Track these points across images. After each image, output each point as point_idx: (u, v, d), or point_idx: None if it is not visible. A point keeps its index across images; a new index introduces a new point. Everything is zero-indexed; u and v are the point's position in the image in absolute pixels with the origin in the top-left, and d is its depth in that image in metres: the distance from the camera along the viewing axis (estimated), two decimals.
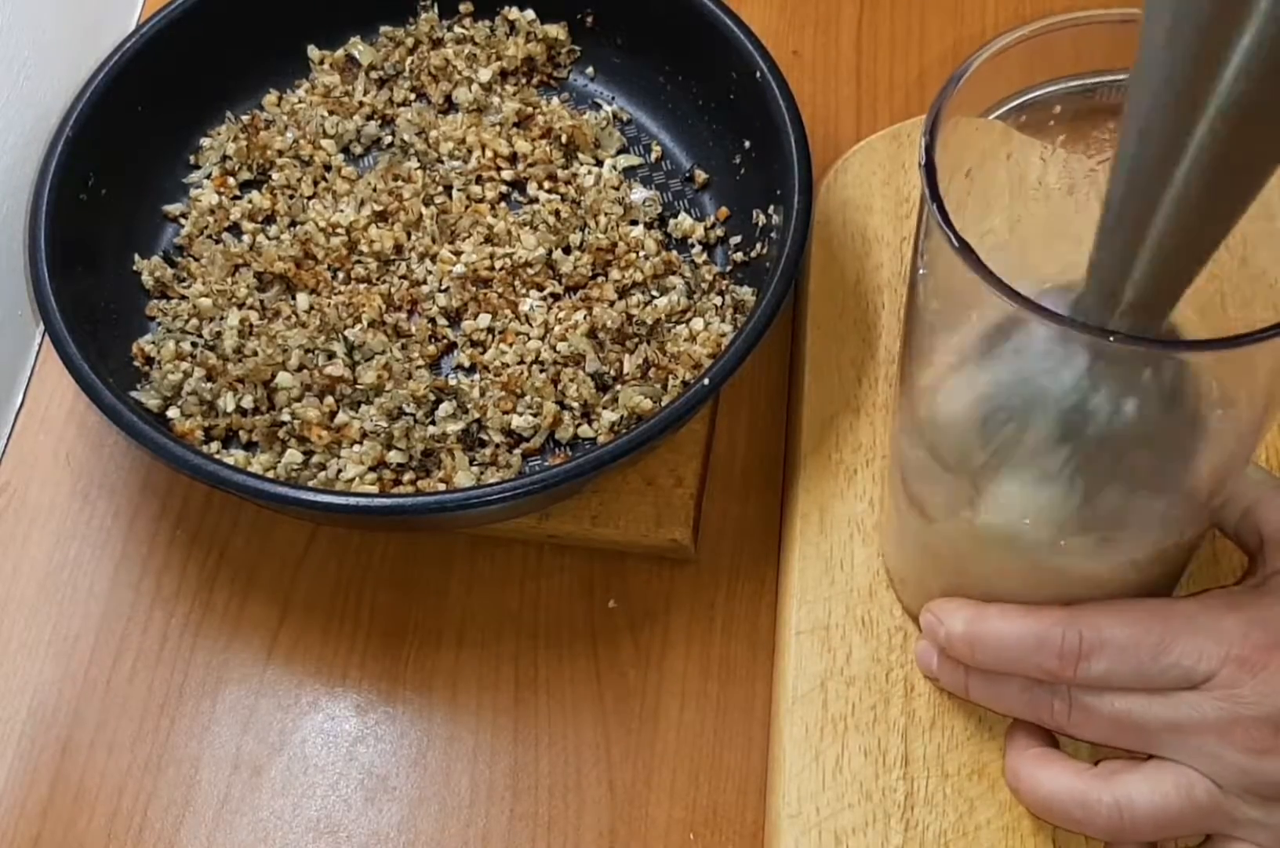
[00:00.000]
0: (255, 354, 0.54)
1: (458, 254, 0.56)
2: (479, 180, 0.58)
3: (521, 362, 0.54)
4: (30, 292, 0.53)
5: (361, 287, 0.56)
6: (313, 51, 0.62)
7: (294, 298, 0.56)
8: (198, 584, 0.55)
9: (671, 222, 0.57)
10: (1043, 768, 0.42)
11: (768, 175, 0.54)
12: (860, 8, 0.66)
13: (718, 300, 0.55)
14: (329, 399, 0.53)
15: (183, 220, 0.59)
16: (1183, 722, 0.39)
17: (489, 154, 0.59)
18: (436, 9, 0.62)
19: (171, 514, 0.56)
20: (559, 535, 0.53)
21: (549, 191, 0.58)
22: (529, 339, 0.54)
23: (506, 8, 0.61)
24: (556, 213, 0.56)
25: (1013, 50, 0.34)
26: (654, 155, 0.60)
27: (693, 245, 0.57)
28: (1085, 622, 0.40)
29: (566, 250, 0.56)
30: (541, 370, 0.53)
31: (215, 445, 0.53)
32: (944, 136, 0.33)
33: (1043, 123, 0.36)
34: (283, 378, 0.53)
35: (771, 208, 0.54)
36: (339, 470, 0.52)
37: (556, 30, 0.61)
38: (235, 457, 0.52)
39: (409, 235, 0.57)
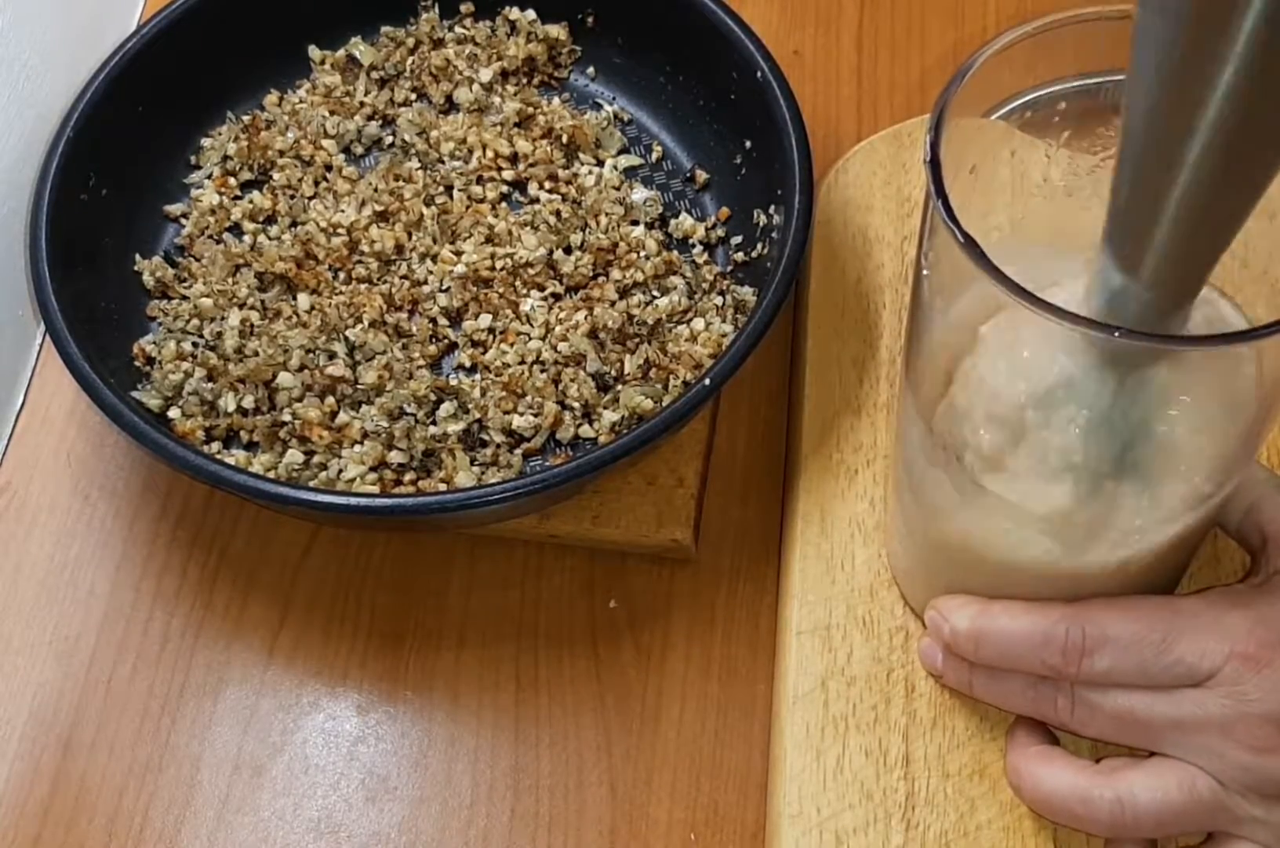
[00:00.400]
0: (256, 354, 0.54)
1: (459, 254, 0.56)
2: (480, 180, 0.58)
3: (522, 362, 0.54)
4: (31, 292, 0.53)
5: (362, 287, 0.56)
6: (314, 52, 0.62)
7: (295, 298, 0.56)
8: (198, 584, 0.55)
9: (672, 222, 0.57)
10: (1044, 765, 0.42)
11: (768, 175, 0.54)
12: (861, 8, 0.66)
13: (719, 300, 0.55)
14: (330, 399, 0.53)
15: (184, 220, 0.59)
16: (1186, 719, 0.39)
17: (490, 154, 0.59)
18: (437, 9, 0.62)
19: (172, 514, 0.56)
20: (560, 536, 0.53)
21: (550, 192, 0.58)
22: (530, 339, 0.54)
23: (507, 8, 0.61)
24: (557, 213, 0.56)
25: (1017, 47, 0.34)
26: (655, 155, 0.60)
27: (693, 245, 0.57)
28: (1089, 619, 0.40)
29: (567, 250, 0.56)
30: (542, 370, 0.53)
31: (216, 446, 0.53)
32: (948, 134, 0.33)
33: (1046, 120, 0.36)
34: (284, 378, 0.53)
35: (772, 208, 0.54)
36: (340, 471, 0.52)
37: (557, 30, 0.61)
38: (236, 457, 0.52)
39: (410, 235, 0.57)
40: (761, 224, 0.55)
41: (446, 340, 0.55)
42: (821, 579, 0.50)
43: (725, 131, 0.58)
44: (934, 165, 0.33)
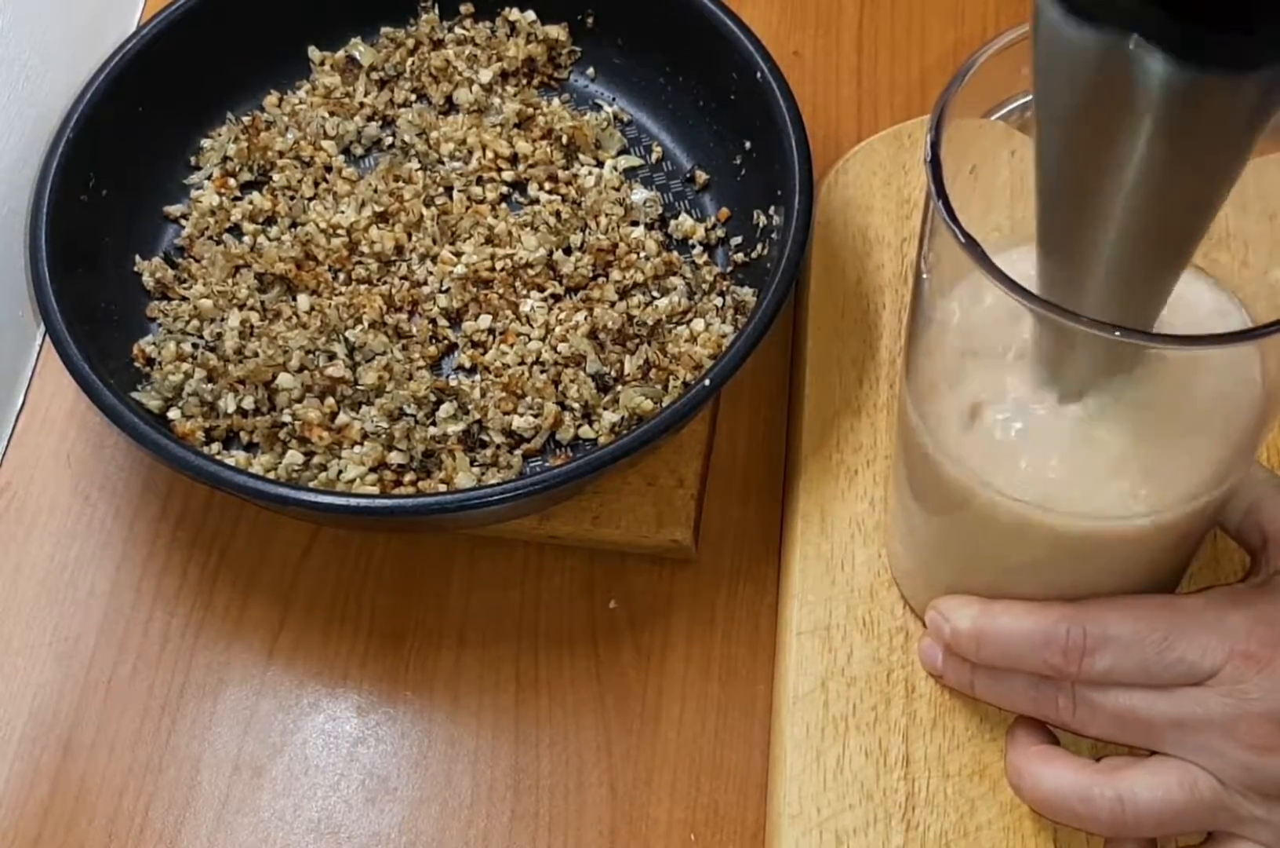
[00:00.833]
0: (256, 355, 0.54)
1: (458, 255, 0.56)
2: (480, 181, 0.58)
3: (522, 362, 0.54)
4: (31, 292, 0.53)
5: (362, 287, 0.56)
6: (313, 52, 0.62)
7: (295, 299, 0.56)
8: (198, 585, 0.55)
9: (672, 222, 0.57)
10: (1044, 764, 0.42)
11: (768, 176, 0.54)
12: (861, 8, 0.66)
13: (718, 301, 0.55)
14: (330, 400, 0.53)
15: (183, 221, 0.59)
16: (1187, 718, 0.39)
17: (490, 155, 0.59)
18: (437, 10, 0.62)
19: (172, 515, 0.56)
20: (560, 536, 0.53)
21: (550, 192, 0.58)
22: (530, 340, 0.54)
23: (507, 9, 0.61)
24: (557, 214, 0.56)
25: (1017, 47, 0.34)
26: (654, 156, 0.60)
27: (693, 246, 0.57)
28: (1090, 618, 0.40)
29: (567, 251, 0.56)
30: (542, 371, 0.53)
31: (216, 446, 0.53)
32: (948, 134, 0.33)
33: None
34: (283, 379, 0.53)
35: (772, 208, 0.54)
36: (340, 471, 0.52)
37: (557, 31, 0.61)
38: (236, 458, 0.52)
39: (410, 236, 0.57)
40: (761, 225, 0.55)
41: (446, 341, 0.55)
42: (821, 580, 0.50)
43: (725, 132, 0.58)
44: (934, 165, 0.33)
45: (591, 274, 0.55)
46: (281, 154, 0.59)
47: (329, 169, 0.60)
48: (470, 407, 0.53)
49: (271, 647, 0.53)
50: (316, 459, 0.52)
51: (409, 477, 0.52)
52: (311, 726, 0.52)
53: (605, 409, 0.53)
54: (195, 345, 0.55)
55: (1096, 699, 0.40)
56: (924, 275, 0.36)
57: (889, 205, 0.57)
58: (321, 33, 0.62)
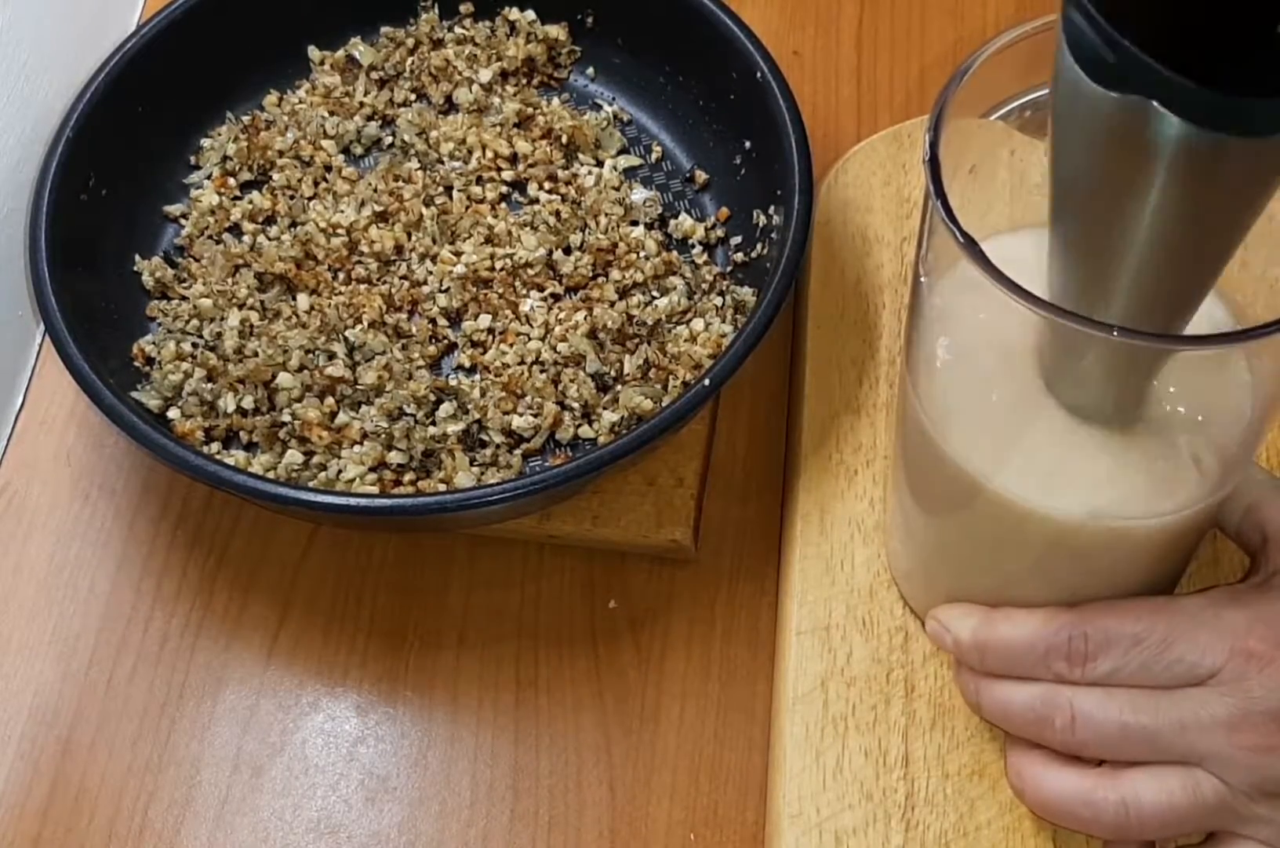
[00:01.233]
0: (256, 355, 0.54)
1: (458, 254, 0.56)
2: (479, 181, 0.58)
3: (522, 362, 0.54)
4: (30, 292, 0.53)
5: (362, 287, 0.56)
6: (313, 52, 0.62)
7: (294, 298, 0.56)
8: (198, 585, 0.55)
9: (672, 222, 0.57)
10: (1046, 767, 0.42)
11: (768, 176, 0.54)
12: (860, 8, 0.66)
13: (718, 301, 0.55)
14: (329, 400, 0.53)
15: (183, 221, 0.59)
16: (1190, 721, 0.38)
17: (489, 154, 0.59)
18: (437, 9, 0.62)
19: (172, 515, 0.56)
20: (559, 536, 0.53)
21: (549, 192, 0.58)
22: (529, 340, 0.54)
23: (507, 8, 0.61)
24: (557, 213, 0.56)
25: (1017, 46, 0.34)
26: (654, 156, 0.60)
27: (693, 246, 0.57)
28: (1090, 623, 0.40)
29: (567, 251, 0.56)
30: (542, 371, 0.53)
31: (216, 446, 0.53)
32: (947, 134, 0.33)
33: (1045, 120, 0.36)
34: (283, 378, 0.53)
35: (772, 208, 0.54)
36: (339, 471, 0.52)
37: (557, 31, 0.61)
38: (236, 457, 0.52)
39: (409, 236, 0.57)
40: (761, 224, 0.55)
41: (446, 341, 0.55)
42: (821, 579, 0.50)
43: (725, 132, 0.58)
44: (933, 164, 0.33)
45: (591, 274, 0.55)
46: (281, 154, 0.59)
47: (329, 169, 0.60)
48: (470, 406, 0.53)
49: (271, 646, 0.53)
50: (316, 459, 0.52)
51: (409, 476, 0.52)
52: (311, 725, 0.52)
53: (605, 409, 0.53)
54: (195, 345, 0.55)
55: (1097, 715, 0.40)
56: (922, 278, 0.36)
57: (889, 205, 0.57)
58: (321, 32, 0.62)
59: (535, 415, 0.52)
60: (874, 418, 0.53)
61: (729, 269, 0.56)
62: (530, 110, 0.60)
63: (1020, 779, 0.42)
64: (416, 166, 0.59)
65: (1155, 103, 0.25)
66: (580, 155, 0.59)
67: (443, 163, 0.59)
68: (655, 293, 0.55)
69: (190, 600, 0.54)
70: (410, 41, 0.62)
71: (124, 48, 0.56)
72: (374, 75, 0.62)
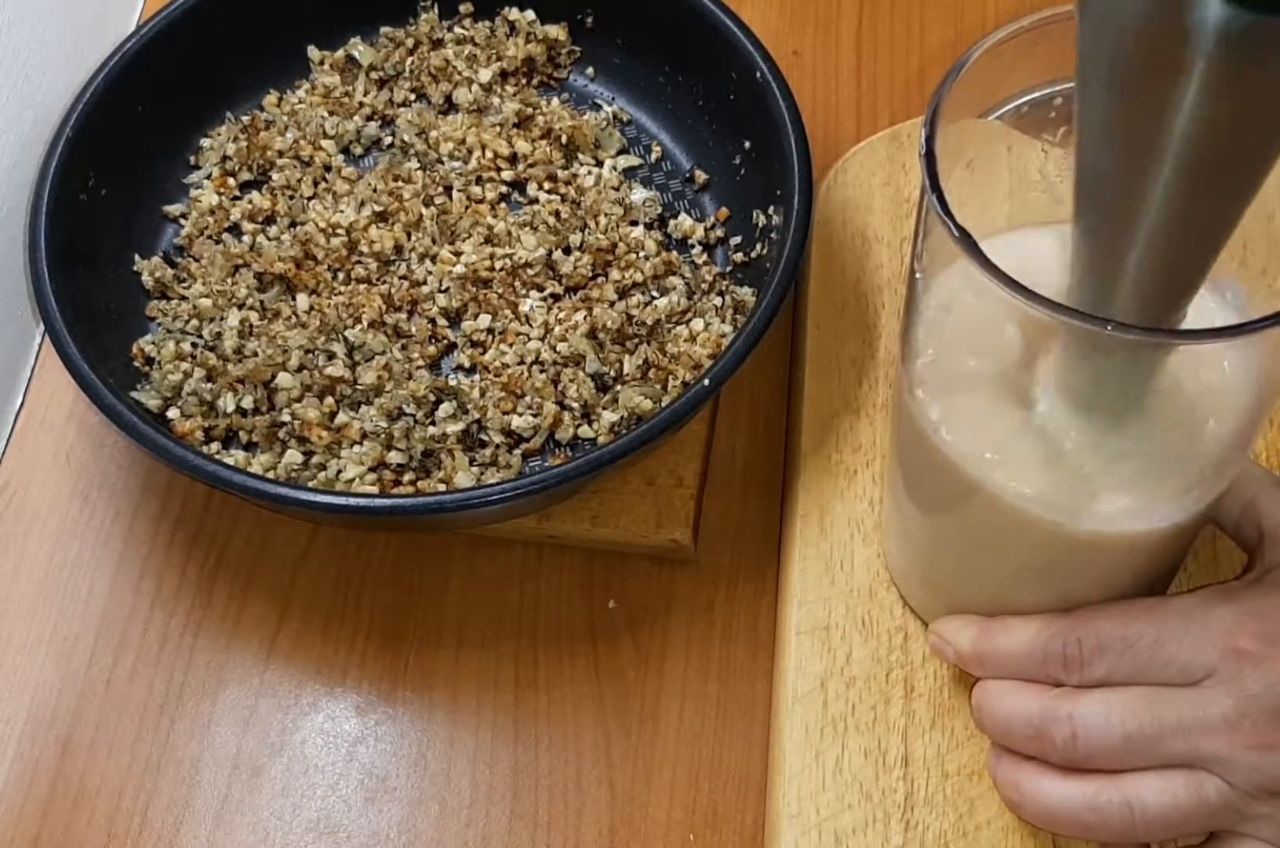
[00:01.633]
0: (255, 355, 0.54)
1: (458, 255, 0.56)
2: (479, 181, 0.58)
3: (521, 362, 0.54)
4: (30, 292, 0.53)
5: (362, 287, 0.56)
6: (313, 52, 0.62)
7: (294, 298, 0.56)
8: (198, 585, 0.55)
9: (671, 222, 0.57)
10: (1045, 778, 0.41)
11: (768, 175, 0.54)
12: (860, 8, 0.66)
13: (718, 301, 0.55)
14: (329, 400, 0.53)
15: (183, 221, 0.59)
16: (1191, 723, 0.38)
17: (489, 154, 0.59)
18: (437, 9, 0.62)
19: (171, 515, 0.56)
20: (559, 536, 0.53)
21: (549, 192, 0.58)
22: (529, 340, 0.54)
23: (507, 8, 0.61)
24: (556, 213, 0.56)
25: (1014, 40, 0.34)
26: (654, 156, 0.60)
27: (693, 246, 0.57)
28: (1083, 628, 0.40)
29: (566, 251, 0.56)
30: (541, 371, 0.53)
31: (215, 446, 0.53)
32: (945, 133, 0.33)
33: (1043, 115, 0.36)
34: (283, 378, 0.53)
35: (771, 208, 0.54)
36: (339, 471, 0.52)
37: (557, 31, 0.61)
38: (235, 457, 0.52)
39: (409, 236, 0.57)
40: (761, 224, 0.55)
41: (446, 341, 0.55)
42: (821, 579, 0.50)
43: (725, 132, 0.58)
44: (929, 158, 0.32)
45: (591, 274, 0.55)
46: (281, 154, 0.59)
47: (328, 169, 0.60)
48: (469, 406, 0.53)
49: (271, 646, 0.53)
50: (316, 459, 0.52)
51: (408, 476, 0.52)
52: (310, 725, 0.52)
53: (605, 409, 0.53)
54: (195, 345, 0.55)
55: (1099, 728, 0.39)
56: (918, 275, 0.36)
57: (888, 205, 0.57)
58: (321, 32, 0.62)
59: (535, 415, 0.52)
60: (874, 418, 0.53)
61: (729, 269, 0.56)
62: (530, 110, 0.60)
63: (1019, 793, 0.42)
64: (416, 166, 0.59)
65: None
66: (580, 155, 0.59)
67: (442, 163, 0.59)
68: (655, 293, 0.55)
69: (190, 600, 0.54)
70: (410, 41, 0.62)
71: (124, 48, 0.56)
72: (374, 75, 0.62)
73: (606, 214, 0.56)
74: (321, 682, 0.53)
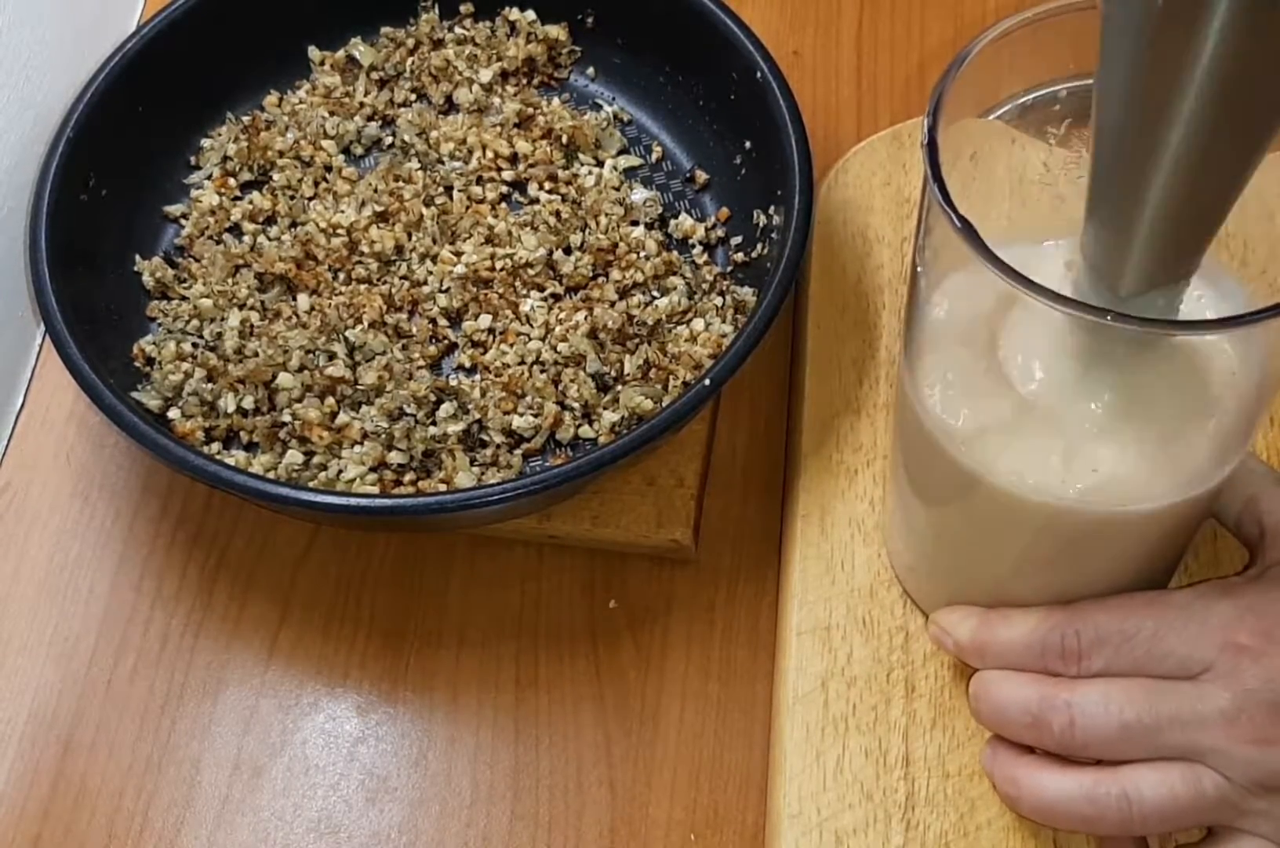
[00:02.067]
0: (256, 355, 0.54)
1: (458, 255, 0.56)
2: (479, 181, 0.58)
3: (522, 362, 0.54)
4: (31, 292, 0.53)
5: (362, 287, 0.56)
6: (313, 52, 0.62)
7: (295, 298, 0.56)
8: (198, 585, 0.55)
9: (672, 222, 0.57)
10: (1043, 771, 0.41)
11: (768, 176, 0.54)
12: (861, 8, 0.66)
13: (718, 301, 0.55)
14: (330, 400, 0.53)
15: (183, 221, 0.59)
16: (1189, 716, 0.38)
17: (490, 155, 0.59)
18: (437, 10, 0.62)
19: (172, 515, 0.56)
20: (560, 536, 0.53)
21: (549, 192, 0.58)
22: (530, 340, 0.54)
23: (507, 8, 0.61)
24: (557, 213, 0.56)
25: (1019, 32, 0.34)
26: (654, 156, 0.60)
27: (693, 246, 0.57)
28: (1082, 621, 0.40)
29: (567, 251, 0.56)
30: (542, 371, 0.53)
31: (216, 446, 0.53)
32: (946, 127, 0.33)
33: (1045, 115, 0.36)
34: (283, 378, 0.53)
35: (772, 208, 0.54)
36: (340, 471, 0.52)
37: (557, 31, 0.61)
38: (236, 457, 0.52)
39: (410, 236, 0.57)
40: (761, 224, 0.55)
41: (446, 341, 0.55)
42: (821, 579, 0.50)
43: (725, 132, 0.58)
44: (931, 148, 0.32)
45: (591, 274, 0.55)
46: (281, 154, 0.59)
47: (329, 169, 0.60)
48: (470, 406, 0.53)
49: (271, 646, 0.53)
50: (316, 459, 0.52)
51: (409, 476, 0.52)
52: (311, 725, 0.52)
53: (605, 409, 0.53)
54: (195, 345, 0.55)
55: (1097, 716, 0.39)
56: (919, 269, 0.36)
57: (889, 205, 0.57)
58: (321, 32, 0.62)
59: (535, 415, 0.52)
60: (874, 418, 0.53)
61: (729, 269, 0.56)
62: (530, 110, 0.60)
63: (1016, 787, 0.42)
64: (417, 167, 0.59)
65: None
66: (580, 155, 0.59)
67: (443, 163, 0.59)
68: (655, 293, 0.55)
69: (190, 600, 0.54)
70: (410, 42, 0.62)
71: (124, 48, 0.56)
72: (374, 75, 0.62)
73: (607, 214, 0.56)
74: (322, 682, 0.53)
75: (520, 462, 0.52)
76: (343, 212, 0.57)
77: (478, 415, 0.52)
